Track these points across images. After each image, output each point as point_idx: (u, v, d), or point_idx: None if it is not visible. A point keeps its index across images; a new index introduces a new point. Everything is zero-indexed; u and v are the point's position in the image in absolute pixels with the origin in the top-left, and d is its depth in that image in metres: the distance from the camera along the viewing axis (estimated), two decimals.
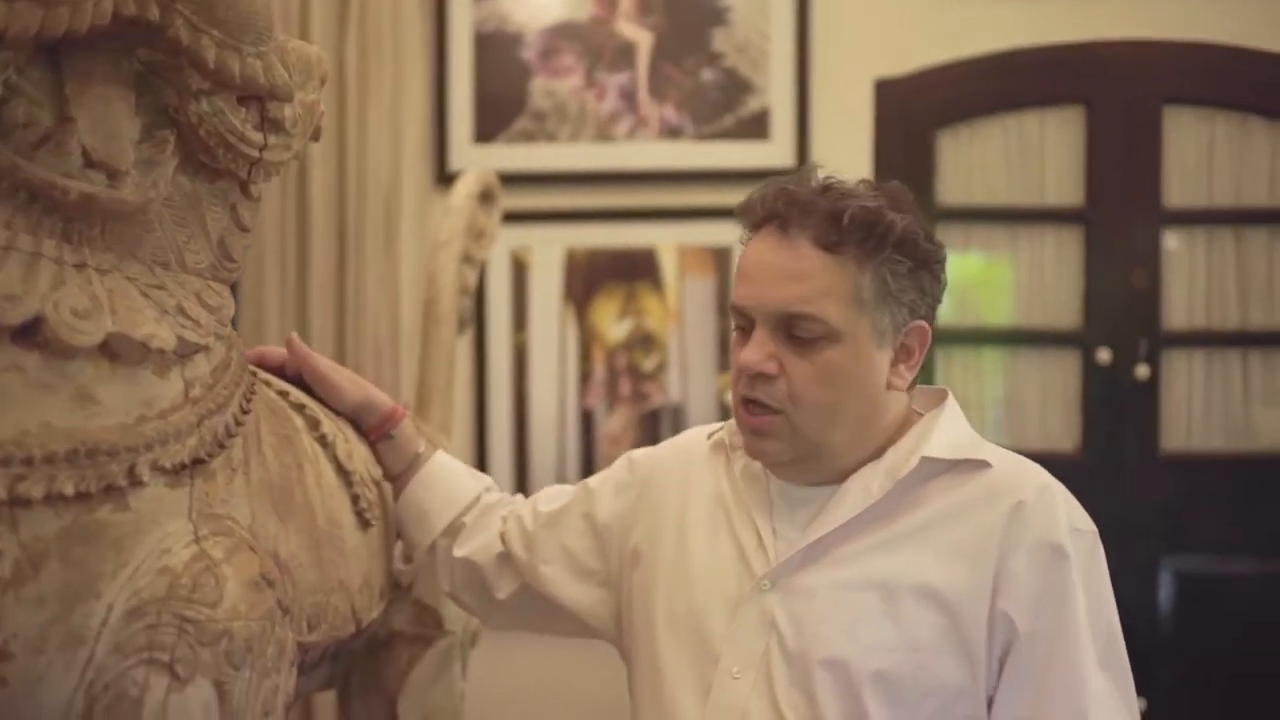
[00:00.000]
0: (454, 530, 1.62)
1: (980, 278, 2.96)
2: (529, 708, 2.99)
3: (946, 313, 2.90)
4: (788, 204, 1.33)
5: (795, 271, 1.30)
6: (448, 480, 1.64)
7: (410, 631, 1.71)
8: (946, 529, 1.31)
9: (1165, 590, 2.84)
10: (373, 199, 2.86)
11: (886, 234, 1.29)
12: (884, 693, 1.27)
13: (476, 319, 2.96)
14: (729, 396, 2.67)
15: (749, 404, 1.33)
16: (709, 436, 1.52)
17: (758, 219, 1.36)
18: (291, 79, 1.19)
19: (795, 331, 1.30)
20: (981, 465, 1.33)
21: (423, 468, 1.63)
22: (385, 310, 2.87)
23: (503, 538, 1.60)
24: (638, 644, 1.46)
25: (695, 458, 1.52)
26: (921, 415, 1.41)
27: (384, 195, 2.87)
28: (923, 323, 1.35)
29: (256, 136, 1.18)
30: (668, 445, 1.62)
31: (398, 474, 1.64)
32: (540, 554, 1.57)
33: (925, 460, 1.31)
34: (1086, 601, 1.30)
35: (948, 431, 1.35)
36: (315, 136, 1.30)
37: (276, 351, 1.61)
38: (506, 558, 1.59)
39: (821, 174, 1.37)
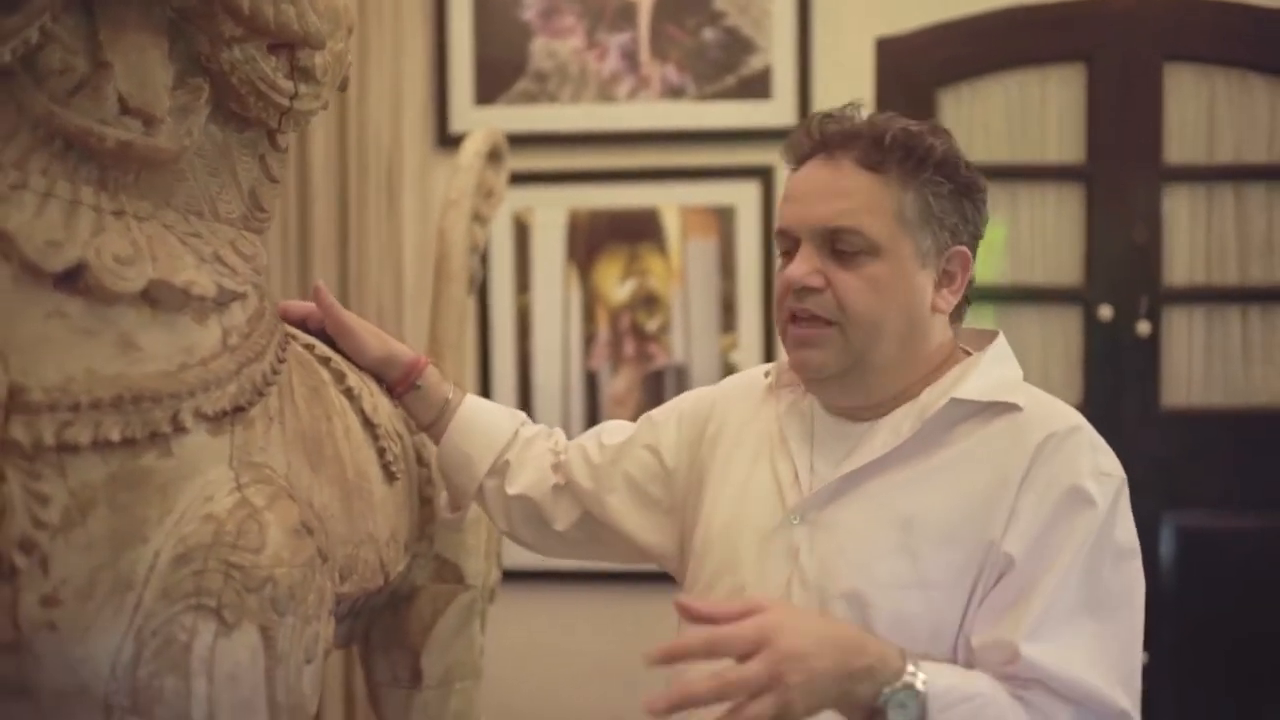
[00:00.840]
0: (499, 470, 1.65)
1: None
2: (541, 665, 3.01)
3: None
4: (832, 132, 1.38)
5: (838, 189, 1.34)
6: (484, 422, 1.66)
7: (433, 586, 1.71)
8: (971, 469, 1.33)
9: (1166, 545, 2.86)
10: (374, 162, 2.85)
11: (927, 155, 1.34)
12: (898, 630, 1.28)
13: (480, 280, 2.96)
14: (734, 356, 2.69)
15: (797, 320, 1.37)
16: (765, 375, 1.57)
17: (805, 151, 1.40)
18: (323, 26, 1.19)
19: (838, 245, 1.34)
20: (1012, 408, 1.33)
21: (456, 414, 1.64)
22: (388, 273, 2.87)
23: (564, 469, 1.63)
24: (688, 569, 1.51)
25: (753, 394, 1.56)
26: (969, 355, 1.43)
27: (385, 158, 2.86)
28: (964, 249, 1.39)
29: (287, 85, 1.18)
30: (729, 381, 1.67)
31: (430, 423, 1.65)
32: (605, 484, 1.60)
33: (955, 401, 1.33)
34: (1093, 547, 1.28)
35: (986, 374, 1.37)
36: (343, 86, 1.30)
37: (299, 305, 1.60)
38: (564, 489, 1.63)
39: (868, 111, 1.43)
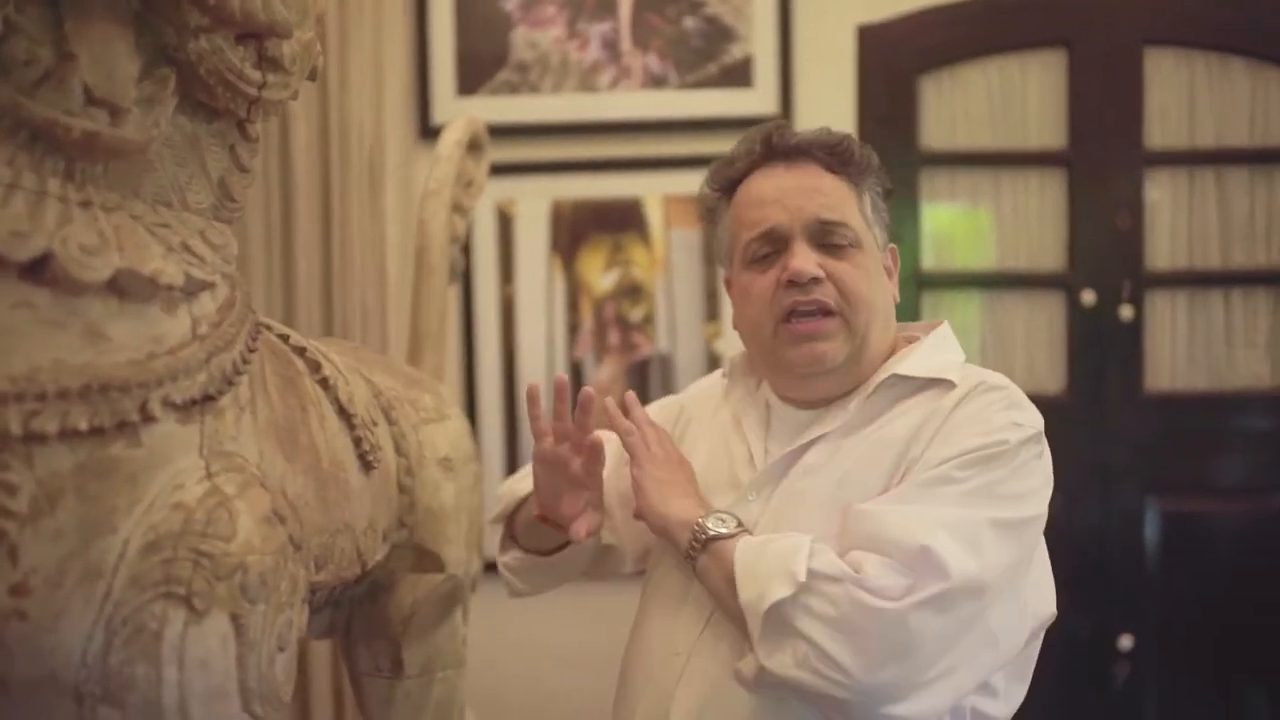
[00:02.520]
0: None
1: (964, 222, 2.97)
2: (529, 656, 3.02)
3: (932, 257, 2.92)
4: (785, 143, 1.47)
5: (817, 187, 1.43)
6: None
7: (413, 576, 1.72)
8: (899, 424, 1.39)
9: (1150, 529, 2.87)
10: (356, 154, 2.85)
11: (870, 162, 1.48)
12: None
13: (464, 271, 2.96)
14: (718, 345, 2.71)
15: (795, 317, 1.42)
16: (724, 375, 1.65)
17: (751, 163, 1.49)
18: (290, 16, 1.19)
19: (831, 239, 1.42)
20: (948, 385, 1.39)
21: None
22: (371, 264, 2.86)
23: None
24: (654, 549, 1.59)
25: (715, 393, 1.65)
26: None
27: (367, 150, 2.86)
28: (894, 245, 1.52)
29: (255, 75, 1.18)
30: (694, 385, 1.76)
31: (551, 549, 1.69)
32: (610, 513, 1.64)
33: (894, 377, 1.41)
34: (977, 460, 1.29)
35: (928, 356, 1.44)
36: (312, 76, 1.30)
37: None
38: None
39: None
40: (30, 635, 1.00)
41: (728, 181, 1.51)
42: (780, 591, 1.25)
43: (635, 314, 2.99)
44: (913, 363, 1.43)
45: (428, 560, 1.74)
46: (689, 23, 2.94)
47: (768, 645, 1.27)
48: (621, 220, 2.98)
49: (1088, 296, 2.84)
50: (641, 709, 1.47)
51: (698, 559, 1.38)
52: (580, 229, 2.99)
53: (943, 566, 1.22)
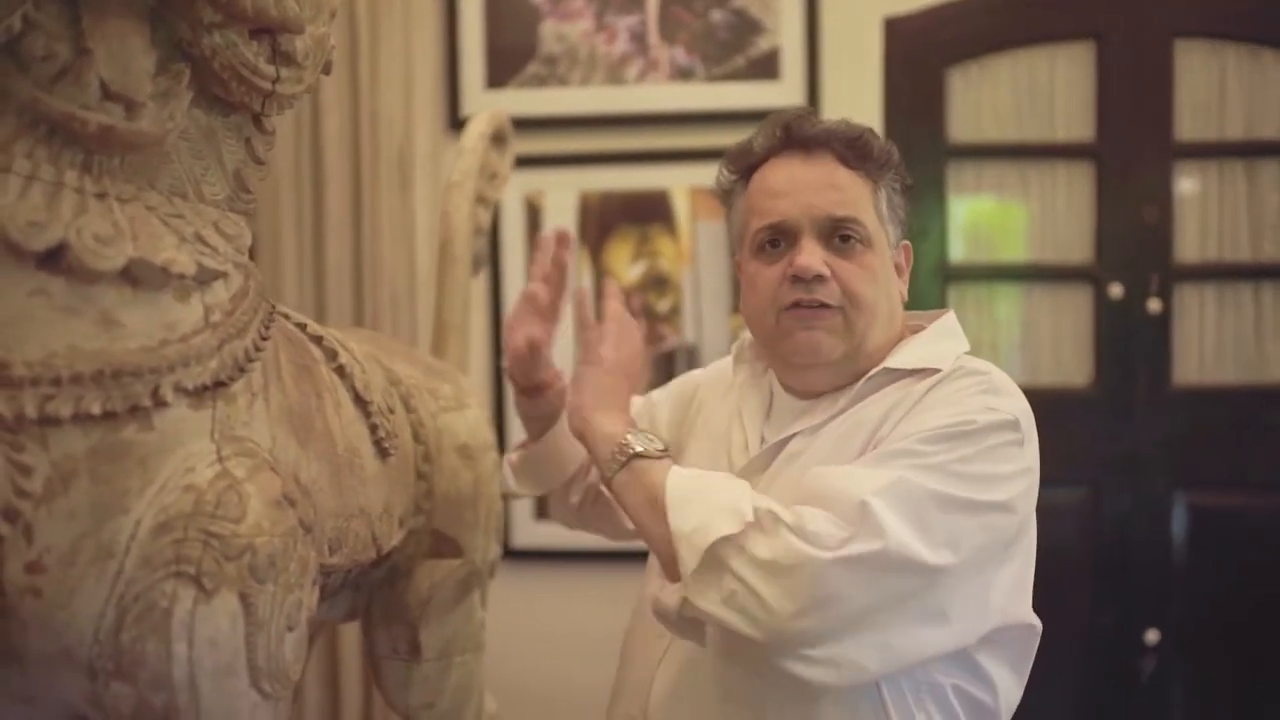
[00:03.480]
0: (579, 483, 1.80)
1: (992, 215, 2.97)
2: (550, 642, 3.05)
3: (959, 249, 2.92)
4: (805, 132, 1.45)
5: (832, 182, 1.42)
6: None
7: (431, 561, 1.75)
8: (878, 407, 1.40)
9: (1178, 524, 2.86)
10: (385, 146, 2.88)
11: (889, 158, 1.46)
12: None
13: (492, 263, 2.99)
14: (744, 336, 2.73)
15: (800, 308, 1.42)
16: (732, 358, 1.66)
17: (769, 149, 1.48)
18: (302, 11, 1.22)
19: (841, 235, 1.42)
20: (935, 373, 1.39)
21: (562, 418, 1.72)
22: (401, 255, 2.90)
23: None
24: None
25: (726, 375, 1.66)
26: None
27: (397, 142, 2.89)
28: (907, 241, 1.52)
29: (269, 69, 1.21)
30: (713, 365, 1.77)
31: (541, 428, 1.76)
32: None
33: (885, 370, 1.42)
34: (943, 436, 1.28)
35: (923, 346, 1.44)
36: (327, 70, 1.33)
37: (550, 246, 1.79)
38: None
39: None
40: (44, 612, 1.04)
41: (746, 166, 1.50)
42: (725, 528, 1.24)
43: (662, 305, 3.01)
44: (904, 355, 1.43)
45: (446, 546, 1.77)
46: (716, 15, 2.95)
47: (700, 581, 1.25)
48: (648, 212, 3.00)
49: (1115, 289, 2.83)
50: (627, 689, 1.53)
51: (616, 476, 1.38)
52: (607, 220, 3.01)
53: (879, 527, 1.20)
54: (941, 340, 1.46)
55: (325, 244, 2.90)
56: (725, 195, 1.55)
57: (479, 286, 2.99)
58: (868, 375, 1.43)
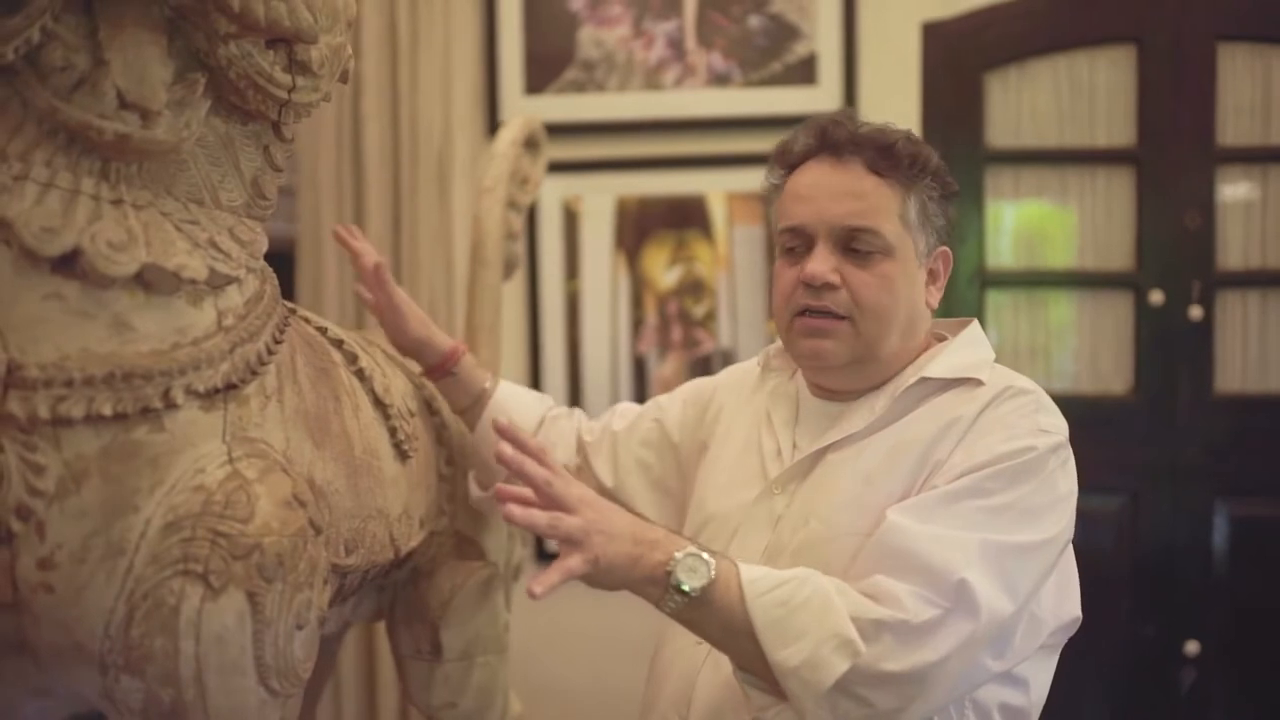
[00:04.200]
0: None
1: (1031, 221, 2.95)
2: (579, 646, 3.06)
3: (997, 255, 2.90)
4: (838, 137, 1.46)
5: (853, 190, 1.42)
6: (515, 406, 1.79)
7: (452, 562, 1.77)
8: (926, 423, 1.40)
9: (1219, 533, 2.81)
10: (425, 151, 2.91)
11: (926, 164, 1.45)
12: None
13: (530, 267, 3.02)
14: (774, 343, 2.72)
15: (809, 314, 1.44)
16: (758, 364, 1.67)
17: (805, 152, 1.49)
18: (317, 22, 1.24)
19: (855, 244, 1.42)
20: (976, 384, 1.40)
21: (492, 400, 1.77)
22: (440, 260, 2.93)
23: (584, 453, 1.75)
24: None
25: (749, 381, 1.67)
26: (943, 341, 1.51)
27: (436, 147, 2.92)
28: (947, 249, 1.50)
29: (285, 78, 1.24)
30: (729, 369, 1.78)
31: (465, 408, 1.79)
32: (622, 467, 1.73)
33: (923, 379, 1.42)
34: (1005, 471, 1.30)
35: (957, 355, 1.45)
36: (344, 79, 1.35)
37: (369, 253, 1.77)
38: (581, 469, 1.75)
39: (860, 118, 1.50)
40: (56, 607, 1.07)
41: (787, 166, 1.52)
42: (840, 665, 1.22)
43: (698, 310, 3.02)
44: (941, 364, 1.43)
45: (468, 547, 1.80)
46: (753, 21, 2.95)
47: (819, 710, 1.25)
48: (685, 217, 3.01)
49: (1156, 296, 2.80)
50: (665, 696, 1.51)
51: (679, 613, 1.26)
52: (644, 225, 3.03)
53: (974, 604, 1.23)
54: (973, 349, 1.46)
55: None
56: (773, 189, 1.55)
57: (518, 289, 3.02)
58: (904, 385, 1.43)
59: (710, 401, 1.70)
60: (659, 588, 1.24)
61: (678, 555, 1.23)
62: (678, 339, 3.02)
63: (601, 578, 1.22)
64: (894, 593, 1.24)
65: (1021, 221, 2.95)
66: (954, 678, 1.25)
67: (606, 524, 1.22)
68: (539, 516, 1.20)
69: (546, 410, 1.84)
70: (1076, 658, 2.69)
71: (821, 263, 1.41)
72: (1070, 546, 1.42)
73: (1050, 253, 2.95)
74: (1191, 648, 2.80)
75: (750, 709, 1.32)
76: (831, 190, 1.43)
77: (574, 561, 1.19)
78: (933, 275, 1.49)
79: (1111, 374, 2.89)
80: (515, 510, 1.19)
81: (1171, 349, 2.81)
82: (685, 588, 1.22)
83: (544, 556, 3.06)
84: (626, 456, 1.73)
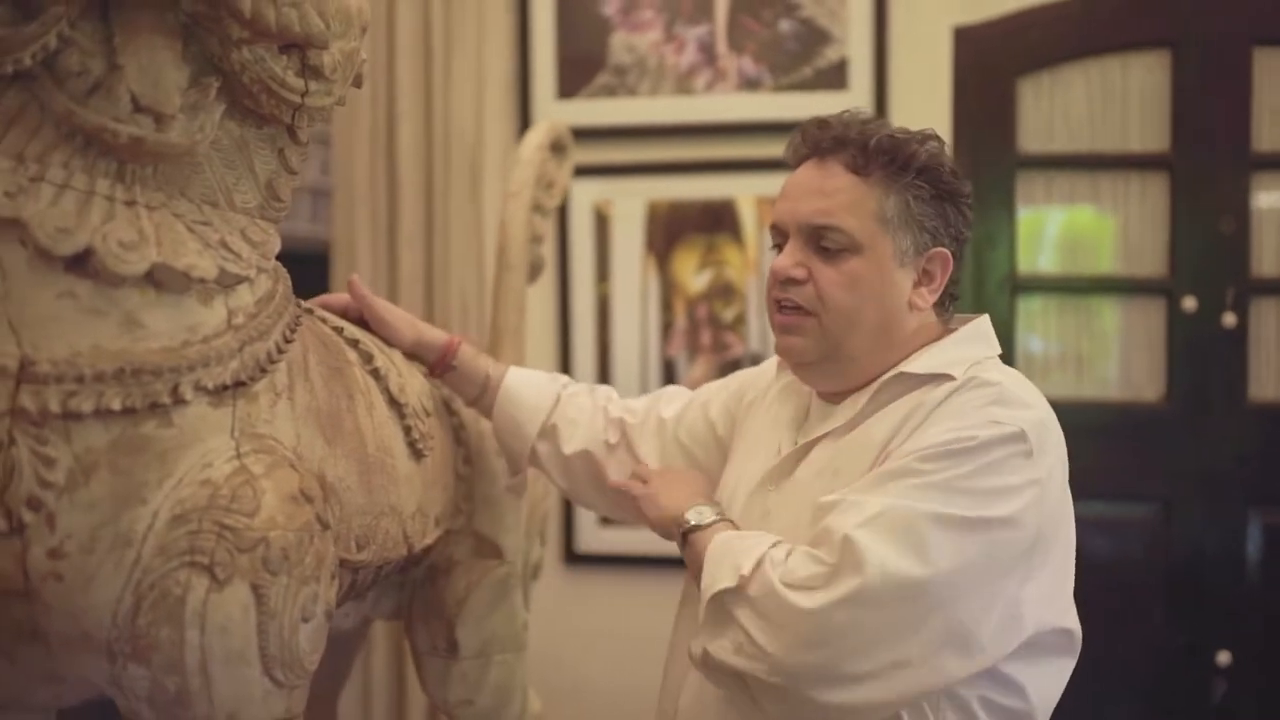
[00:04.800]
0: (548, 433, 1.80)
1: (1063, 226, 2.93)
2: (609, 648, 3.07)
3: (1029, 261, 2.89)
4: (824, 137, 1.47)
5: (823, 189, 1.44)
6: (528, 389, 1.81)
7: (469, 561, 1.79)
8: (891, 417, 1.41)
9: (1253, 542, 2.78)
10: (458, 155, 2.94)
11: (910, 161, 1.43)
12: None
13: (561, 270, 3.05)
14: None
15: (781, 307, 1.47)
16: (777, 364, 1.69)
17: (802, 154, 1.51)
18: (330, 28, 1.27)
19: (822, 242, 1.43)
20: (948, 379, 1.40)
21: (502, 385, 1.79)
22: (471, 263, 2.96)
23: (625, 435, 1.79)
24: None
25: (766, 380, 1.70)
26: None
27: (469, 151, 2.95)
28: (944, 250, 1.46)
29: (297, 83, 1.26)
30: (769, 361, 1.77)
31: (475, 398, 1.82)
32: (668, 456, 1.77)
33: (900, 375, 1.43)
34: (945, 454, 1.29)
35: (944, 352, 1.45)
36: (358, 84, 1.38)
37: (339, 297, 1.74)
38: (616, 447, 1.79)
39: (863, 116, 1.50)
40: (65, 596, 1.10)
41: (792, 168, 1.53)
42: (725, 582, 1.32)
43: (727, 314, 3.03)
44: (923, 360, 1.43)
45: (486, 547, 1.82)
46: (784, 25, 2.96)
47: (709, 630, 1.34)
48: (715, 221, 3.02)
49: (1189, 303, 2.77)
50: (665, 690, 1.58)
51: (684, 551, 1.49)
52: (675, 229, 3.04)
53: (859, 561, 1.23)
54: (962, 346, 1.45)
55: (398, 249, 2.97)
56: None
57: (549, 292, 3.05)
58: (885, 379, 1.44)
59: (745, 394, 1.73)
60: (671, 525, 1.51)
61: (697, 505, 1.50)
62: (707, 342, 3.03)
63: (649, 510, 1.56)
64: (793, 555, 1.31)
65: (1053, 227, 2.94)
66: (868, 643, 1.24)
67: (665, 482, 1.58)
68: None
69: (561, 388, 1.85)
70: (1106, 666, 2.68)
71: (788, 257, 1.44)
72: (1065, 561, 1.40)
73: (1083, 258, 2.93)
74: (1223, 658, 2.78)
75: (701, 638, 1.38)
76: (804, 188, 1.46)
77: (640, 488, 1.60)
78: (927, 276, 1.46)
79: (1144, 381, 2.88)
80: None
81: (1204, 356, 2.79)
82: (690, 522, 1.47)
83: (572, 558, 3.08)
84: (673, 446, 1.76)
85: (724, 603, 1.32)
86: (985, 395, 1.36)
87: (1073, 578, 1.43)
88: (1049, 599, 1.36)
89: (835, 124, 1.47)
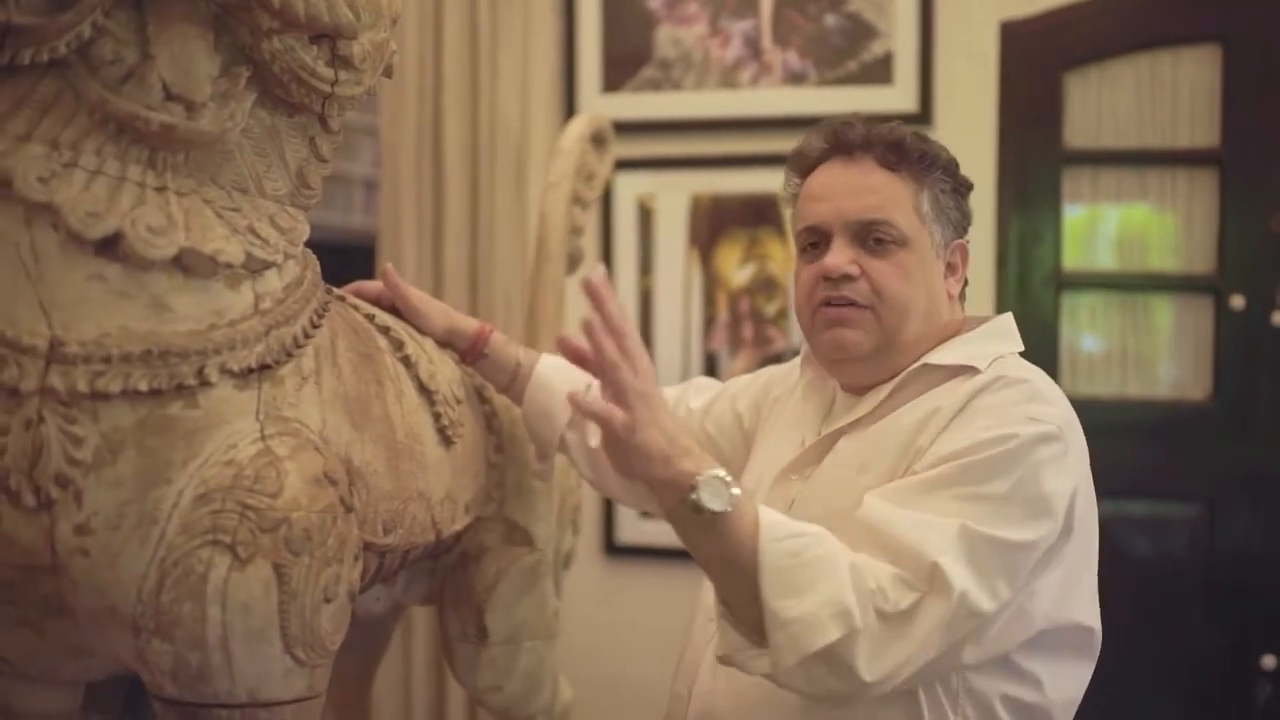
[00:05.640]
0: (576, 421, 1.79)
1: (1110, 223, 2.91)
2: (648, 639, 3.08)
3: (1074, 257, 2.86)
4: (849, 138, 1.50)
5: (867, 185, 1.46)
6: (559, 377, 1.79)
7: (499, 548, 1.81)
8: (917, 409, 1.42)
9: None
10: (503, 148, 2.97)
11: (936, 158, 1.49)
12: None
13: (604, 263, 3.06)
14: None
15: (830, 306, 1.46)
16: (801, 361, 1.69)
17: (819, 155, 1.53)
18: (359, 19, 1.29)
19: (873, 236, 1.45)
20: (974, 372, 1.40)
21: (534, 372, 1.80)
22: (515, 257, 2.98)
23: None
24: None
25: (793, 378, 1.70)
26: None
27: (515, 145, 2.97)
28: (964, 242, 1.52)
29: (327, 72, 1.28)
30: (781, 367, 1.80)
31: (506, 385, 1.82)
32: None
33: (925, 366, 1.44)
34: (989, 460, 1.29)
35: (968, 346, 1.46)
36: (388, 74, 1.40)
37: (373, 284, 1.75)
38: None
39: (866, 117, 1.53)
40: (92, 571, 1.13)
41: (802, 171, 1.56)
42: (833, 633, 1.21)
43: (770, 308, 3.03)
44: (946, 352, 1.45)
45: (517, 534, 1.83)
46: (830, 20, 2.95)
47: (795, 671, 1.24)
48: (758, 215, 3.02)
49: (1237, 301, 2.74)
50: (681, 668, 1.59)
51: (683, 526, 1.27)
52: (718, 223, 3.05)
53: (948, 587, 1.23)
54: (987, 341, 1.47)
55: (444, 242, 2.99)
56: (791, 199, 1.60)
57: (572, 285, 3.05)
58: (907, 371, 1.45)
59: (770, 388, 1.74)
60: (676, 496, 1.23)
61: (706, 473, 1.22)
62: (749, 337, 3.04)
63: (628, 453, 1.23)
64: (872, 569, 1.25)
65: (1101, 223, 2.91)
66: (926, 661, 1.26)
67: (655, 420, 1.23)
68: (597, 405, 1.23)
69: (592, 379, 1.84)
70: (1147, 667, 2.65)
71: (839, 254, 1.44)
72: (1085, 555, 1.40)
73: (1129, 255, 2.90)
74: (1269, 662, 2.74)
75: (721, 646, 1.33)
76: (847, 187, 1.47)
77: (618, 417, 1.21)
78: (951, 268, 1.51)
79: (1190, 379, 2.85)
80: (576, 400, 1.25)
81: (1252, 355, 2.76)
82: (704, 505, 1.21)
83: (613, 549, 3.10)
84: (699, 436, 1.76)
85: (827, 656, 1.22)
86: (1020, 392, 1.36)
87: (1094, 574, 1.43)
88: (1064, 594, 1.37)
89: (858, 124, 1.50)
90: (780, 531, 1.25)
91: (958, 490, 1.29)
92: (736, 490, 1.23)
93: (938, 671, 1.31)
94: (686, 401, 1.82)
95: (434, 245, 3.03)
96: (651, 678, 3.07)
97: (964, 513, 1.27)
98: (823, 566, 1.24)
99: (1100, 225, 2.91)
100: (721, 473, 1.23)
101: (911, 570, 1.25)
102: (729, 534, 1.23)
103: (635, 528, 3.08)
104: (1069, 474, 1.33)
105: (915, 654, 1.24)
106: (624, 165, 2.84)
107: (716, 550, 1.26)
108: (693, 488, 1.22)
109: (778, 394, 1.72)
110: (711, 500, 1.22)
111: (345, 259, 2.82)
